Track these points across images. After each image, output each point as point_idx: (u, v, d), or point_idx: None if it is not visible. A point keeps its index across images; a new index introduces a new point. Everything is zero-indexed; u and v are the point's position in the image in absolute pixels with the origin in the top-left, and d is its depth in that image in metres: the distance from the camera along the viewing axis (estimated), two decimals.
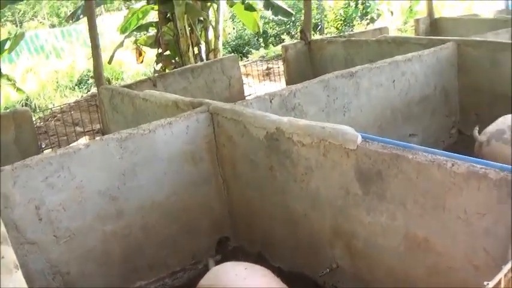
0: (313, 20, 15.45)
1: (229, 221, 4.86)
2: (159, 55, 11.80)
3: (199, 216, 4.63)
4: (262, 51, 20.16)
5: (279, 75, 13.11)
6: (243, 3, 11.97)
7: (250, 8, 11.98)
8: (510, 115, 5.38)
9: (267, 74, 14.29)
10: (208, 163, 4.65)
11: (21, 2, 18.61)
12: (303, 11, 11.23)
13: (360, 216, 3.70)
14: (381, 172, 3.47)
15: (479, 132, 5.36)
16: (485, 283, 1.99)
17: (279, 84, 12.26)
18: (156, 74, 8.77)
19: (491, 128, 5.31)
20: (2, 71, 12.15)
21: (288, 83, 8.79)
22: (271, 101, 5.08)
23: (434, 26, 11.39)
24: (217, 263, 3.88)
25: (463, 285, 3.19)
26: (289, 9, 13.12)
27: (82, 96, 15.86)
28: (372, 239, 3.68)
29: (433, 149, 3.37)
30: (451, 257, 3.25)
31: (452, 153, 3.24)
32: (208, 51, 11.86)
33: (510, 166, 3.01)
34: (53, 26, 31.49)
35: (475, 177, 3.01)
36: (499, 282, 2.09)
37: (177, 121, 4.43)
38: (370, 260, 3.76)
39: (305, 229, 4.14)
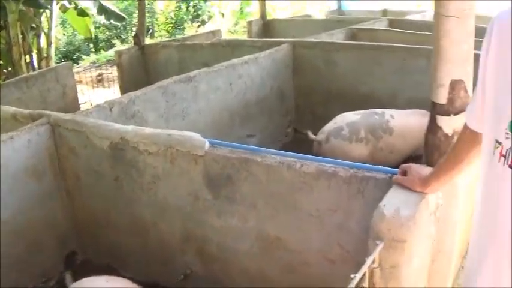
0: None
1: (76, 235, 4.71)
2: None
3: (46, 232, 4.45)
4: (93, 57, 19.84)
5: (112, 81, 12.94)
6: (75, 8, 11.71)
7: (83, 13, 11.74)
8: (347, 113, 5.63)
9: (99, 81, 14.06)
10: (51, 177, 4.47)
11: None
12: (134, 15, 11.14)
13: (211, 220, 3.74)
14: (230, 176, 3.53)
15: (314, 130, 5.57)
16: (352, 276, 2.11)
17: (112, 90, 12.10)
18: None
19: (329, 126, 5.54)
20: None
21: (122, 89, 8.68)
22: (110, 110, 4.98)
23: (267, 28, 11.63)
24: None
25: (320, 280, 3.33)
26: (122, 13, 13.00)
27: None
28: (225, 242, 3.74)
29: (281, 151, 3.48)
30: (305, 254, 3.37)
31: (301, 154, 3.37)
32: (40, 59, 11.52)
33: (357, 163, 3.19)
34: None
35: (324, 175, 3.15)
36: (364, 274, 2.22)
37: (18, 135, 4.20)
38: (224, 263, 3.82)
39: (156, 238, 4.13)
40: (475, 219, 2.10)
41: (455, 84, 2.76)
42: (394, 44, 6.97)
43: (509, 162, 1.80)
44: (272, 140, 7.01)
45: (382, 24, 10.45)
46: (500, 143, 1.84)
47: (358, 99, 6.76)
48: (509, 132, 1.80)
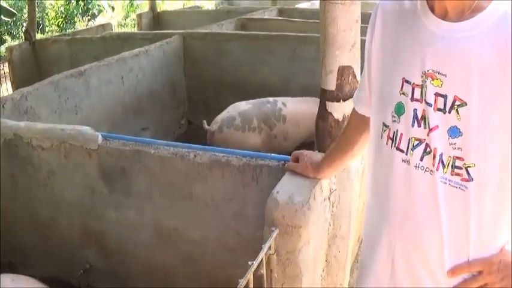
0: None
1: None
2: None
3: None
4: None
5: (4, 77, 12.59)
6: None
7: None
8: (239, 103, 5.68)
9: None
10: None
11: None
12: (24, 10, 10.87)
13: (108, 214, 3.70)
14: (124, 169, 3.50)
15: (209, 121, 5.60)
16: (249, 263, 2.13)
17: (4, 87, 11.78)
18: None
19: (222, 115, 5.58)
20: None
21: (14, 85, 8.50)
22: (3, 106, 4.87)
23: (157, 20, 11.54)
24: None
25: (220, 269, 3.36)
26: (12, 9, 12.67)
27: None
28: (123, 235, 3.71)
29: (175, 143, 3.49)
30: (204, 243, 3.39)
31: (195, 145, 3.38)
32: None
33: (251, 152, 3.23)
34: None
35: (218, 165, 3.18)
36: (261, 260, 2.25)
37: None
38: (124, 256, 3.79)
39: (54, 233, 4.04)
40: (367, 202, 2.16)
41: (343, 70, 2.82)
42: (285, 33, 7.07)
43: (397, 145, 1.86)
44: (166, 132, 7.01)
45: (272, 14, 10.59)
46: (387, 126, 1.90)
47: (251, 88, 6.82)
48: (396, 115, 1.86)
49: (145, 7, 12.04)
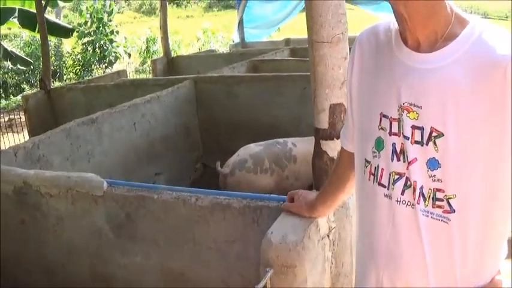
0: (52, 67, 15.21)
1: None
2: None
3: None
4: (3, 103, 19.49)
5: (21, 126, 12.76)
6: None
7: None
8: (250, 145, 5.69)
9: (9, 126, 13.86)
10: None
11: None
12: (41, 59, 11.03)
13: (115, 259, 3.73)
14: (129, 214, 3.54)
15: (223, 163, 5.61)
16: None
17: (22, 136, 11.95)
18: None
19: (234, 158, 5.58)
20: None
21: (30, 133, 8.59)
22: (15, 155, 4.97)
23: (172, 65, 11.64)
24: None
25: None
26: (28, 58, 12.87)
27: None
28: (131, 279, 3.73)
29: (177, 187, 3.52)
30: (208, 286, 3.40)
31: (196, 189, 3.43)
32: None
33: (251, 194, 3.25)
34: None
35: (219, 208, 3.20)
36: None
37: None
38: None
39: (64, 279, 4.07)
40: (356, 235, 2.17)
41: (335, 108, 2.85)
42: (294, 73, 7.12)
43: (379, 180, 1.88)
44: (181, 177, 7.02)
45: (283, 54, 10.68)
46: (369, 162, 1.91)
47: (262, 129, 6.86)
48: (376, 151, 1.87)
49: (161, 52, 12.15)
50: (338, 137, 2.88)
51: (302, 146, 5.68)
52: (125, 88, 8.13)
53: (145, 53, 22.77)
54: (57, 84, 14.67)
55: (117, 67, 20.34)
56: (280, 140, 5.78)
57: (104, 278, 3.88)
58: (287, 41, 13.45)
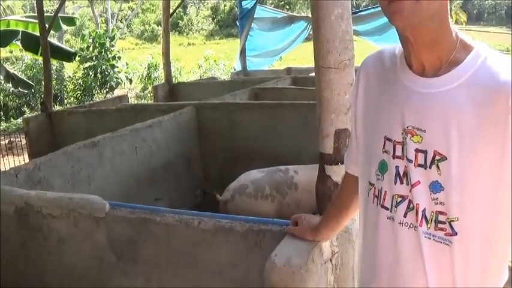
0: (53, 91, 15.26)
1: None
2: None
3: None
4: (3, 125, 19.51)
5: (21, 148, 12.78)
6: None
7: None
8: (252, 171, 5.70)
9: (10, 148, 13.87)
10: None
11: None
12: (43, 82, 11.07)
13: (116, 281, 3.70)
14: (131, 236, 3.53)
15: (222, 191, 5.61)
16: None
17: (22, 158, 11.96)
18: None
19: (234, 184, 5.58)
20: None
21: (31, 156, 8.59)
22: (16, 176, 4.98)
23: (173, 92, 11.66)
24: None
25: None
26: (29, 81, 12.91)
27: None
28: None
29: (180, 210, 3.52)
30: None
31: (199, 212, 3.41)
32: None
33: (253, 218, 3.25)
34: None
35: (222, 231, 3.19)
36: None
37: None
38: None
39: None
40: (358, 258, 2.18)
41: (340, 134, 2.87)
42: (296, 101, 7.14)
43: (382, 202, 1.90)
44: (182, 203, 6.98)
45: (285, 83, 10.69)
46: (372, 185, 1.94)
47: (264, 156, 6.84)
48: (380, 173, 1.90)
49: (163, 79, 12.19)
50: (342, 162, 2.88)
51: (304, 173, 5.68)
52: (126, 113, 8.14)
53: (146, 79, 22.87)
54: (58, 108, 14.67)
55: (118, 92, 20.44)
56: (282, 167, 5.78)
57: None
58: (288, 70, 13.52)
